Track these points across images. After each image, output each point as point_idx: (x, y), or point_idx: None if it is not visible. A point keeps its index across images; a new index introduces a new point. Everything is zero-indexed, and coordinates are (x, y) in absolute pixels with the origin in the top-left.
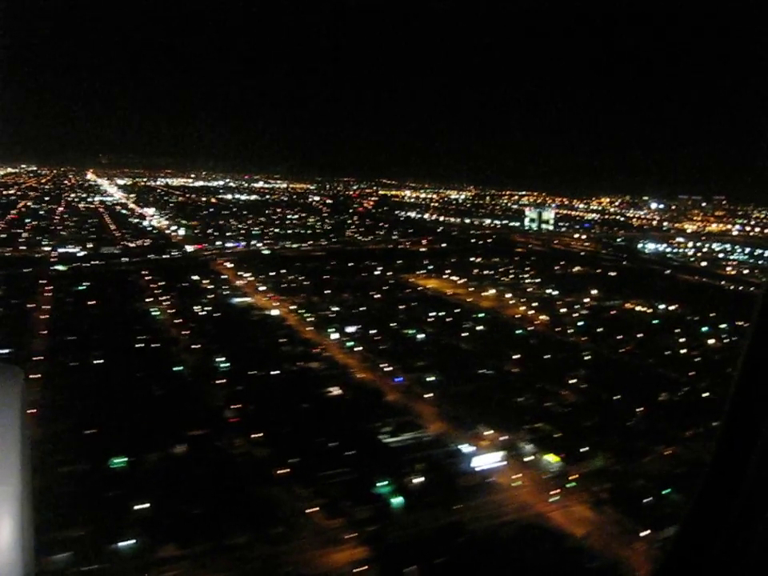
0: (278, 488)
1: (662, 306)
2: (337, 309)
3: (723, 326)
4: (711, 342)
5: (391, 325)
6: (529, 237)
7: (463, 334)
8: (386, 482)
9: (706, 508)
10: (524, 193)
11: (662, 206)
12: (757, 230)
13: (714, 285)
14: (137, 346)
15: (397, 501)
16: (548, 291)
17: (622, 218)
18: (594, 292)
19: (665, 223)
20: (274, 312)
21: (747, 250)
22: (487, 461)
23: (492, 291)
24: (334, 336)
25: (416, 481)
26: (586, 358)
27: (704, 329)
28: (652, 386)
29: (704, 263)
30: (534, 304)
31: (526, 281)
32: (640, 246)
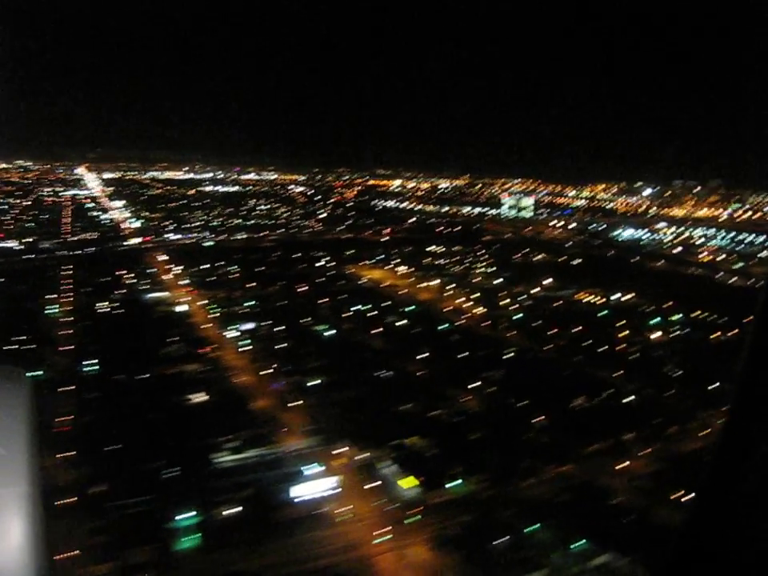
0: (55, 522)
1: (616, 296)
2: (253, 303)
3: (677, 317)
4: (656, 335)
5: (304, 320)
6: (502, 224)
7: (379, 330)
8: (192, 514)
9: (708, 504)
10: (518, 181)
11: (655, 192)
12: (748, 214)
13: (680, 272)
14: (5, 348)
15: (192, 539)
16: (498, 281)
17: (611, 205)
18: (548, 281)
19: (653, 209)
20: (183, 308)
21: (731, 235)
22: (327, 486)
23: (436, 282)
24: (234, 334)
25: (229, 512)
26: (507, 356)
27: (654, 321)
28: (570, 389)
29: (678, 249)
30: (476, 295)
31: (479, 270)
32: (617, 232)
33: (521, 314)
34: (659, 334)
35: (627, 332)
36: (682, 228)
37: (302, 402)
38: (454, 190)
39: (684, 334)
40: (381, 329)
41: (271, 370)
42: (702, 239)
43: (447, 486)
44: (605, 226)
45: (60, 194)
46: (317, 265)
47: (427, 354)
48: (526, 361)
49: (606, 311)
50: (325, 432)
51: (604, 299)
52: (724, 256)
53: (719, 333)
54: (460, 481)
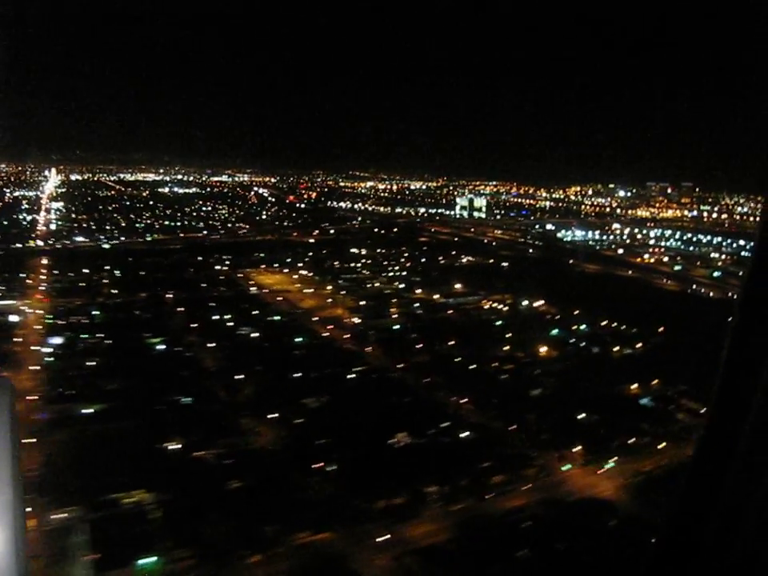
0: None
1: (526, 302)
2: (100, 312)
3: (581, 327)
4: (544, 350)
5: (144, 332)
6: (446, 225)
7: (220, 344)
8: None
9: (695, 491)
10: (494, 183)
11: (628, 194)
12: (714, 216)
13: (611, 275)
14: None
15: None
16: (400, 286)
17: (576, 206)
18: (458, 286)
19: (618, 210)
20: (15, 318)
21: (687, 236)
22: None
23: (330, 287)
24: (46, 349)
25: None
26: (347, 377)
27: (553, 332)
28: (399, 420)
29: (621, 251)
30: (364, 303)
31: (389, 274)
32: (566, 233)
33: (399, 325)
34: (548, 348)
35: (511, 346)
36: (639, 228)
37: (49, 437)
38: (422, 191)
39: (578, 349)
40: (224, 342)
41: (49, 394)
42: (654, 240)
43: (138, 562)
44: (555, 226)
45: (6, 194)
46: (214, 268)
47: (253, 374)
48: (365, 383)
49: (502, 321)
50: (39, 480)
51: (508, 307)
52: (668, 258)
53: (620, 347)
54: (155, 558)
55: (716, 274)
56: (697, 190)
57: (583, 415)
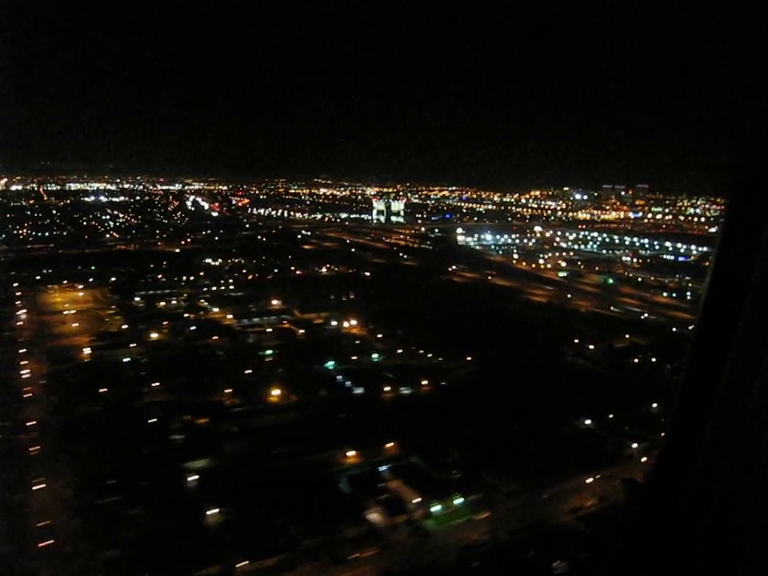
0: None
1: (336, 323)
2: None
3: (373, 356)
4: (280, 393)
5: None
6: (348, 231)
7: None
8: None
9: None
10: (453, 188)
11: (585, 197)
12: (659, 217)
13: (479, 286)
14: None
15: None
16: (204, 304)
17: (518, 209)
18: (275, 303)
19: (558, 212)
20: None
21: (612, 238)
22: None
23: (114, 307)
24: None
25: None
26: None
27: (329, 364)
28: None
29: (516, 256)
30: (127, 326)
31: (208, 289)
32: (473, 237)
33: (131, 358)
34: (290, 390)
35: (242, 388)
36: (563, 231)
37: None
38: (368, 197)
39: (334, 391)
40: None
41: None
42: (569, 243)
43: None
44: (467, 231)
45: None
46: (8, 286)
47: None
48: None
49: (276, 349)
50: None
51: (308, 328)
52: (566, 263)
53: (398, 387)
54: None
55: (610, 280)
56: (657, 192)
57: (215, 510)
